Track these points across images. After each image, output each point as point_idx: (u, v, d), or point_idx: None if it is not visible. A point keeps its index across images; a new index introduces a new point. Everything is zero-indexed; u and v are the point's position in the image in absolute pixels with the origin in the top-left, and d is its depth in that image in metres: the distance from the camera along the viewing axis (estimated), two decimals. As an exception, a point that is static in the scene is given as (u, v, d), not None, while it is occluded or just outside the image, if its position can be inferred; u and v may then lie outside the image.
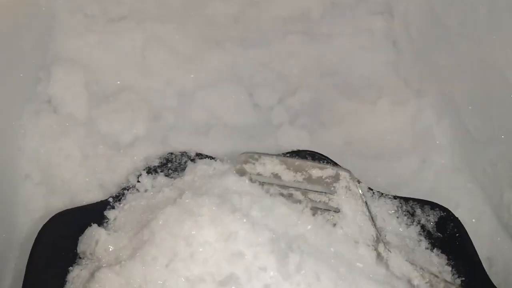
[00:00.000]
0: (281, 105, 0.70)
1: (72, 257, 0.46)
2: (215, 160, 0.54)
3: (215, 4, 0.73)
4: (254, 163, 0.51)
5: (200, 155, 0.55)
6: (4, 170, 0.55)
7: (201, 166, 0.52)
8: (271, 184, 0.50)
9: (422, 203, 0.52)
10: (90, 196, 0.56)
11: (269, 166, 0.51)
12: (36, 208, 0.56)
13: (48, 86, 0.60)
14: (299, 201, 0.50)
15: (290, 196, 0.50)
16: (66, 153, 0.57)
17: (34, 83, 0.61)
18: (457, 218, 0.50)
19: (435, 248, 0.49)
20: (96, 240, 0.46)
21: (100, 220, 0.49)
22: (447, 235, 0.49)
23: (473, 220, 0.57)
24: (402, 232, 0.49)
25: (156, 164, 0.55)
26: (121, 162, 0.58)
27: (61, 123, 0.59)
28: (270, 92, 0.71)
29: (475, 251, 0.47)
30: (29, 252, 0.52)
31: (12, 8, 0.56)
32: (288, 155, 0.55)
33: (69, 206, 0.54)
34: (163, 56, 0.70)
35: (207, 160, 0.55)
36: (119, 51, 0.68)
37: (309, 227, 0.47)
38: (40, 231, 0.47)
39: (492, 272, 0.53)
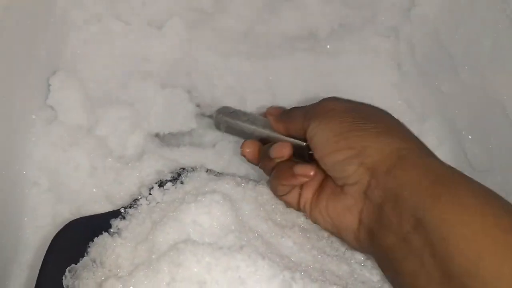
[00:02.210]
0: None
1: (83, 265, 0.48)
2: (223, 176, 0.56)
3: (225, 20, 0.75)
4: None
5: (209, 171, 0.57)
6: (12, 176, 0.56)
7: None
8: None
9: None
10: (97, 207, 0.57)
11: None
12: (43, 215, 0.57)
13: (60, 95, 0.61)
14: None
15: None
16: (75, 163, 0.58)
17: (47, 91, 0.62)
18: None
19: None
20: (106, 249, 0.48)
21: (111, 229, 0.51)
22: None
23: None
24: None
25: (168, 178, 0.56)
26: (129, 175, 0.59)
27: (71, 133, 0.60)
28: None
29: None
30: (35, 258, 0.55)
31: (27, 17, 0.57)
32: None
33: (76, 215, 0.55)
34: (172, 68, 0.71)
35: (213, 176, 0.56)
36: (130, 61, 0.69)
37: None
38: (54, 238, 0.49)
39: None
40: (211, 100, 0.71)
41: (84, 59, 0.67)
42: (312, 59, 0.77)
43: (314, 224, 0.52)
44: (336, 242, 0.51)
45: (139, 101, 0.66)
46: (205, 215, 0.47)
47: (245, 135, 0.58)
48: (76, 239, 0.49)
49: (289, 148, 0.51)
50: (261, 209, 0.52)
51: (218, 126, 0.61)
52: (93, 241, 0.49)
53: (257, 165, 0.57)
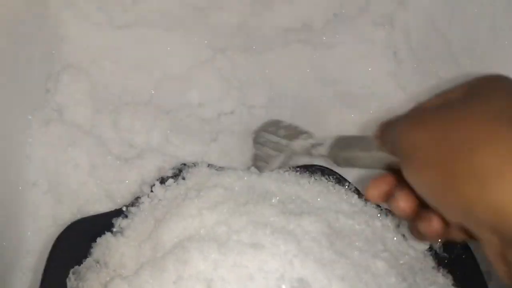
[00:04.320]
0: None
1: (87, 267, 0.47)
2: (225, 170, 0.55)
3: (219, 14, 0.74)
4: None
5: (210, 166, 0.56)
6: (12, 178, 0.55)
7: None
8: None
9: None
10: (98, 206, 0.57)
11: None
12: (43, 216, 0.57)
13: (57, 95, 0.61)
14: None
15: None
16: (74, 162, 0.58)
17: (43, 91, 0.61)
18: None
19: (441, 268, 0.50)
20: (109, 249, 0.47)
21: (114, 229, 0.50)
22: (454, 256, 0.50)
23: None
24: (410, 249, 0.50)
25: (170, 174, 0.55)
26: (128, 172, 0.58)
27: (70, 132, 0.59)
28: (271, 100, 0.72)
29: (483, 275, 0.48)
30: (37, 261, 0.54)
31: (20, 18, 0.56)
32: (298, 169, 0.56)
33: (77, 215, 0.55)
34: (168, 64, 0.71)
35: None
36: (125, 59, 0.69)
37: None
38: (56, 240, 0.49)
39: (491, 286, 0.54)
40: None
41: (84, 58, 0.66)
42: (307, 50, 0.76)
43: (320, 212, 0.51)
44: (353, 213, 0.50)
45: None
46: (208, 210, 0.47)
47: (368, 166, 0.45)
48: (78, 240, 0.49)
49: (438, 222, 0.37)
50: (266, 202, 0.51)
51: (336, 162, 0.49)
52: (96, 241, 0.49)
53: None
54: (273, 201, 0.50)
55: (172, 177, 0.54)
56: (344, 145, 0.48)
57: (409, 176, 0.35)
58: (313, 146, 0.52)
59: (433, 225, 0.37)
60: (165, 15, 0.72)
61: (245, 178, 0.53)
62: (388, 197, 0.40)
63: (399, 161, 0.36)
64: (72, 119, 0.61)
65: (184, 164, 0.56)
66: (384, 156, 0.40)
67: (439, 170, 0.32)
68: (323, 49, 0.77)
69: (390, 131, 0.38)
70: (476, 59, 0.61)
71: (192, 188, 0.51)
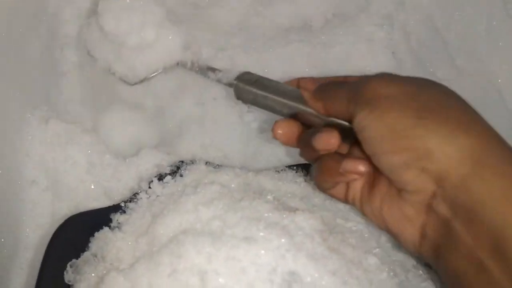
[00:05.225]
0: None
1: (85, 260, 0.48)
2: (222, 167, 0.56)
3: (219, 13, 0.75)
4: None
5: (208, 163, 0.57)
6: (11, 175, 0.56)
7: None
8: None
9: None
10: (96, 203, 0.57)
11: None
12: (42, 213, 0.57)
13: (57, 93, 0.61)
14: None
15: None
16: (72, 160, 0.58)
17: (43, 89, 0.62)
18: None
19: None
20: (107, 243, 0.48)
21: (112, 224, 0.51)
22: None
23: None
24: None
25: (167, 171, 0.56)
26: (127, 171, 0.59)
27: (69, 130, 0.59)
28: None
29: None
30: (35, 257, 0.55)
31: (20, 16, 0.57)
32: (295, 168, 0.56)
33: (75, 213, 0.55)
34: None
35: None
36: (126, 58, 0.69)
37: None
38: (55, 233, 0.49)
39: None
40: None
41: (84, 56, 0.66)
42: (307, 50, 0.77)
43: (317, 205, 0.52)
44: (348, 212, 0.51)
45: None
46: (204, 205, 0.47)
47: (273, 109, 0.49)
48: (77, 234, 0.50)
49: (337, 139, 0.42)
50: (261, 198, 0.51)
51: (239, 96, 0.52)
52: (94, 235, 0.49)
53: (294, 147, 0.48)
54: (268, 197, 0.50)
55: (170, 174, 0.55)
56: (255, 82, 0.51)
57: (370, 119, 0.38)
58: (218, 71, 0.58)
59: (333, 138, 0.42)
60: (167, 14, 0.72)
61: (242, 176, 0.53)
62: (290, 136, 0.47)
63: (344, 111, 0.41)
64: (71, 117, 0.61)
65: (182, 162, 0.57)
66: (295, 106, 0.47)
67: (410, 115, 0.36)
68: (323, 48, 0.77)
69: (335, 89, 0.43)
70: (472, 59, 0.61)
71: (189, 185, 0.52)
